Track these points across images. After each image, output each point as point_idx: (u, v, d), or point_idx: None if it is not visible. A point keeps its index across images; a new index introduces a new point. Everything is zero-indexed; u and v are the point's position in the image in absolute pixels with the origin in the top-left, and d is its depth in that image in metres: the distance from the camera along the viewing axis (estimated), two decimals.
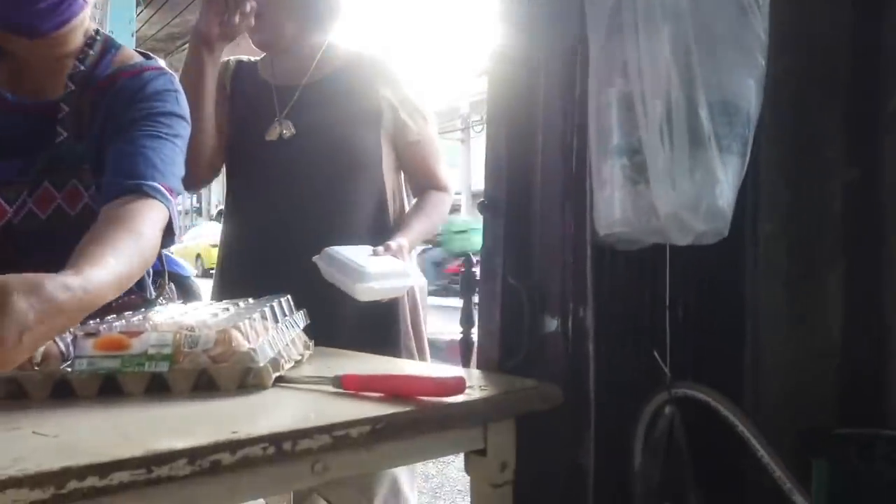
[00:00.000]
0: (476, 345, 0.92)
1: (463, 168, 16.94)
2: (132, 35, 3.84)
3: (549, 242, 0.88)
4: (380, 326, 1.33)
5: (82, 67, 0.99)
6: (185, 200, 21.86)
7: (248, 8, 1.24)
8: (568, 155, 0.86)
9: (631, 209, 0.70)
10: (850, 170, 0.97)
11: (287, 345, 0.92)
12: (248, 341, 0.82)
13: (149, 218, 0.86)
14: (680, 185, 0.66)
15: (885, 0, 0.94)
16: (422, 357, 1.40)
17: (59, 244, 0.88)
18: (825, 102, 0.97)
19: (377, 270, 1.19)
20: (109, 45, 1.03)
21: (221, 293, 1.36)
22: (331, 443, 0.59)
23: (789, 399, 0.97)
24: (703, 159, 0.67)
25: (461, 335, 1.01)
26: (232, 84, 1.40)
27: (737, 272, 0.96)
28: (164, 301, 1.08)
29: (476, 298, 0.96)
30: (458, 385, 0.68)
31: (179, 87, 1.04)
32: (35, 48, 0.96)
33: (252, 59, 1.44)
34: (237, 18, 1.24)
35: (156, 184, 0.90)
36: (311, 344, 1.03)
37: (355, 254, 1.21)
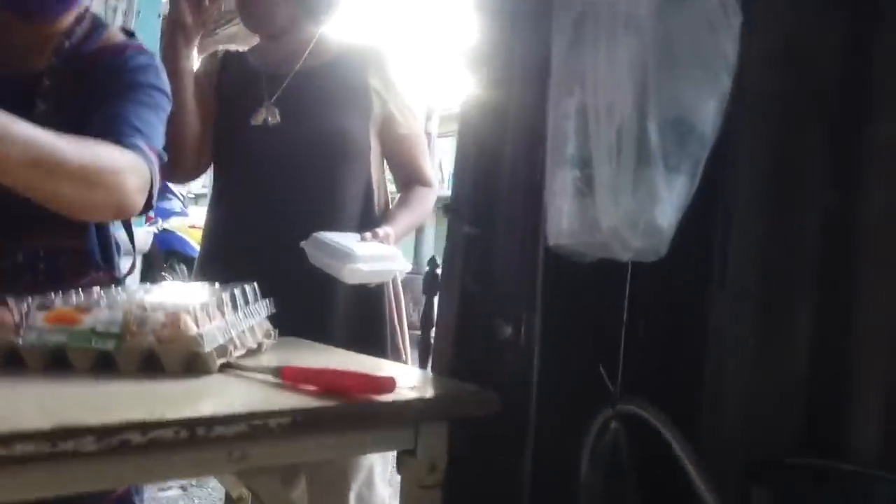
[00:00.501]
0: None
1: None
2: (159, 16, 3.88)
3: (509, 250, 0.88)
4: (365, 319, 1.34)
5: (68, 44, 1.00)
6: (194, 183, 21.99)
7: None
8: (533, 164, 0.86)
9: (577, 221, 0.70)
10: (830, 196, 0.95)
11: (243, 332, 0.93)
12: (198, 326, 0.82)
13: (113, 152, 0.87)
14: (622, 200, 0.65)
15: (875, 24, 0.92)
16: (402, 348, 1.41)
17: (28, 215, 0.90)
18: (811, 126, 0.95)
19: (366, 253, 1.21)
20: (98, 24, 1.05)
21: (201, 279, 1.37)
22: (247, 431, 0.59)
23: (748, 426, 0.95)
24: (647, 177, 0.66)
25: (420, 335, 1.01)
26: (219, 74, 1.41)
27: (703, 295, 0.95)
28: (170, 278, 1.10)
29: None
30: (388, 384, 0.68)
31: (160, 64, 1.06)
32: (26, 24, 0.98)
33: (241, 49, 1.46)
34: (207, 2, 1.27)
35: (135, 140, 0.91)
36: (275, 333, 1.04)
37: (343, 238, 1.23)
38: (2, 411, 0.58)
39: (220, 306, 0.90)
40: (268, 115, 1.33)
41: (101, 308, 0.82)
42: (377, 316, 1.36)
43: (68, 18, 1.01)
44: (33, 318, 0.80)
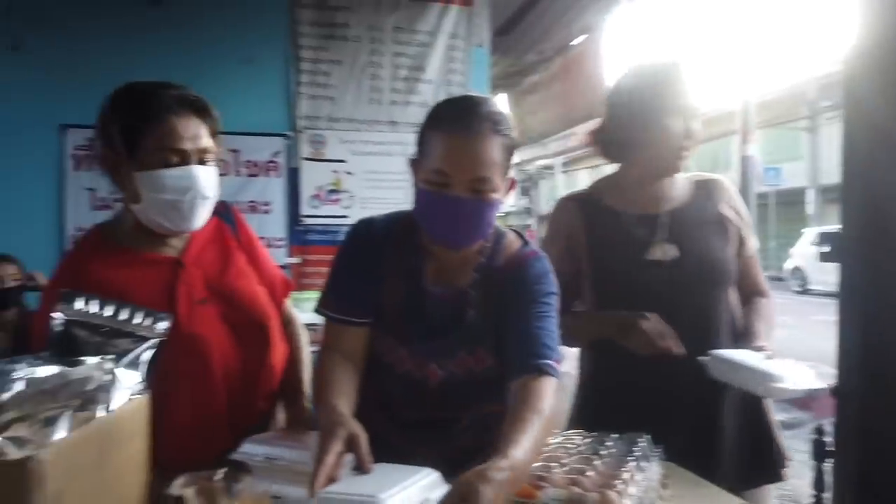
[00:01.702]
0: None
1: (808, 160, 15.08)
2: (485, 86, 4.68)
3: None
4: (752, 441, 1.52)
5: (483, 260, 1.29)
6: (518, 201, 23.31)
7: None
8: None
9: None
10: None
11: (647, 490, 1.12)
12: (622, 497, 1.04)
13: (548, 395, 1.14)
14: None
15: None
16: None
17: (470, 392, 1.23)
18: None
19: (786, 373, 1.32)
20: (498, 236, 1.32)
21: (588, 416, 1.61)
22: None
23: None
24: None
25: (813, 496, 1.10)
26: (584, 221, 1.62)
27: None
28: None
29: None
30: None
31: (550, 266, 1.30)
32: (453, 252, 1.27)
33: (590, 194, 1.67)
34: None
35: (551, 362, 1.17)
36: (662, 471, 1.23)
37: (745, 356, 1.39)
38: None
39: (632, 473, 1.12)
40: (664, 251, 1.53)
41: (548, 486, 1.09)
42: (766, 444, 1.52)
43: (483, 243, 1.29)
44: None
